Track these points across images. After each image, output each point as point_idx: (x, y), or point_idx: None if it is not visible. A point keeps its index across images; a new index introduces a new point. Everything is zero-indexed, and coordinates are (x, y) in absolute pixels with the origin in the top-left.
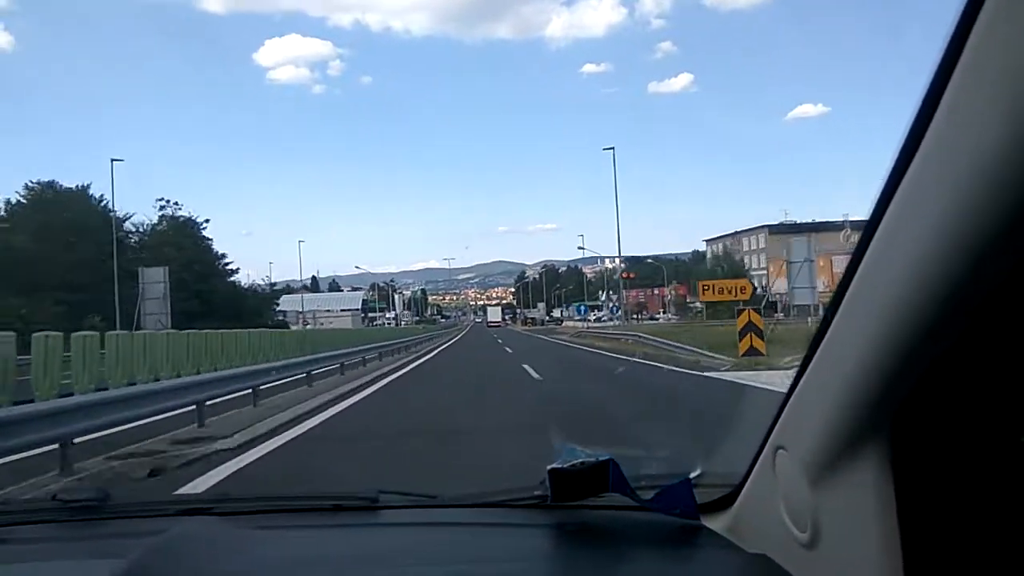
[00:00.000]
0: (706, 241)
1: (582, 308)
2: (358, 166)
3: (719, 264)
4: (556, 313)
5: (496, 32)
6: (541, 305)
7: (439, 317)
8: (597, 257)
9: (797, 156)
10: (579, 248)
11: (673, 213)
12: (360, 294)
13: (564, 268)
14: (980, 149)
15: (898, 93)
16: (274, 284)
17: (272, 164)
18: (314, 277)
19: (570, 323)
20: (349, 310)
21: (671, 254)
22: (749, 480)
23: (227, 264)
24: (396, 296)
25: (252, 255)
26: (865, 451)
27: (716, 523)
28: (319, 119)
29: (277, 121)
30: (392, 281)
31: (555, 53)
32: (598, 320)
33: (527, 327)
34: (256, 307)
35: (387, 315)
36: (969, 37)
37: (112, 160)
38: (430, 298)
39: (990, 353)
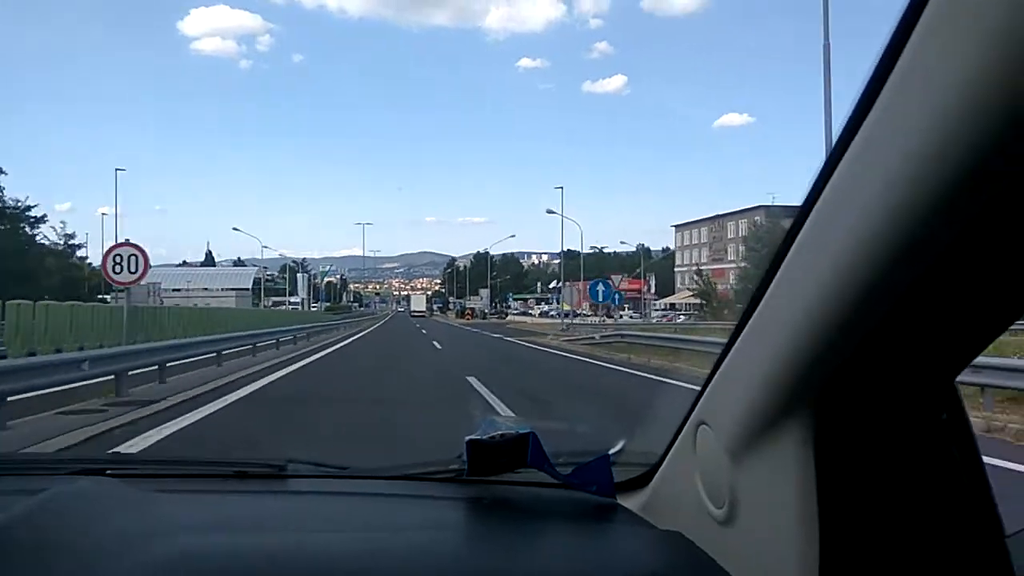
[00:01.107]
0: (675, 227)
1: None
2: (283, 148)
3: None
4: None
5: (433, 18)
6: (484, 292)
7: (355, 304)
8: (530, 253)
9: (724, 162)
10: (511, 236)
11: (610, 210)
12: (251, 271)
13: (498, 258)
14: (908, 149)
15: (818, 108)
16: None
17: (191, 138)
18: (208, 252)
19: (515, 317)
20: (235, 290)
21: (618, 250)
22: (668, 457)
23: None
24: (300, 277)
25: (164, 234)
26: (787, 428)
27: (631, 501)
28: (244, 95)
29: (200, 94)
30: (304, 261)
31: (492, 45)
32: (543, 315)
33: (465, 320)
34: (53, 269)
35: (292, 299)
36: (909, 39)
37: None
38: (352, 286)
39: (913, 335)
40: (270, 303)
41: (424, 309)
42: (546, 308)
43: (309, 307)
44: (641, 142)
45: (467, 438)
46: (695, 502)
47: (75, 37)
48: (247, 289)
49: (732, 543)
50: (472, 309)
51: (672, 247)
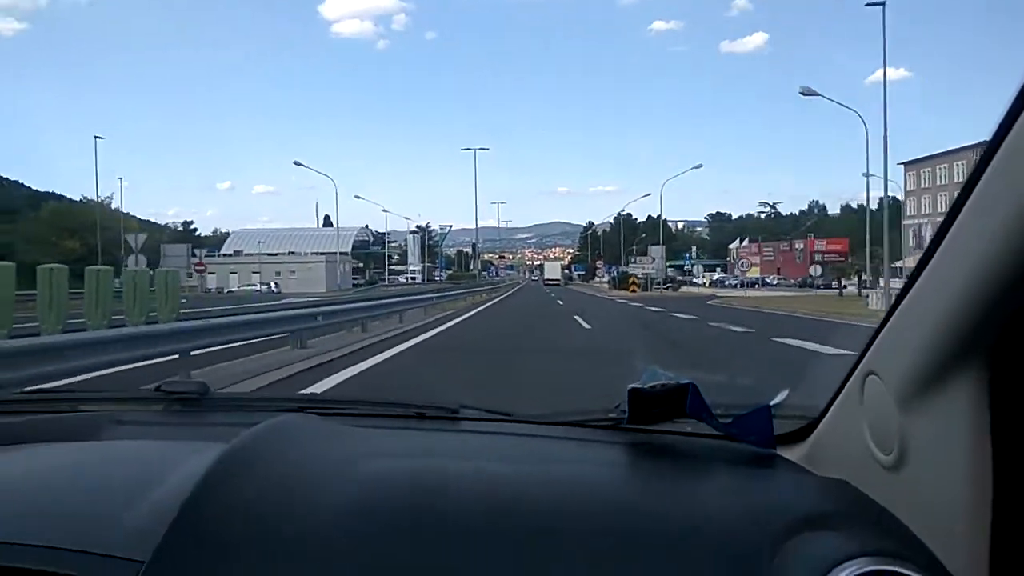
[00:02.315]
0: (904, 164)
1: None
2: (419, 124)
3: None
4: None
5: None
6: (656, 250)
7: (483, 272)
8: (667, 220)
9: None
10: (645, 196)
11: (748, 177)
12: (350, 232)
13: (641, 222)
14: None
15: (989, 62)
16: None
17: (333, 119)
18: (327, 216)
19: (687, 288)
20: (324, 254)
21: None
22: (832, 408)
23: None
24: (411, 239)
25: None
26: (962, 375)
27: (792, 453)
28: (381, 75)
29: (340, 75)
30: (427, 225)
31: (624, 9)
32: (717, 284)
33: (629, 293)
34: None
35: (412, 267)
36: None
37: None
38: (486, 256)
39: None
40: (385, 275)
41: (559, 277)
42: (717, 276)
43: (427, 277)
44: (782, 103)
45: (629, 386)
46: (861, 450)
47: (221, 28)
48: (347, 254)
49: (900, 489)
50: (635, 278)
51: (900, 195)
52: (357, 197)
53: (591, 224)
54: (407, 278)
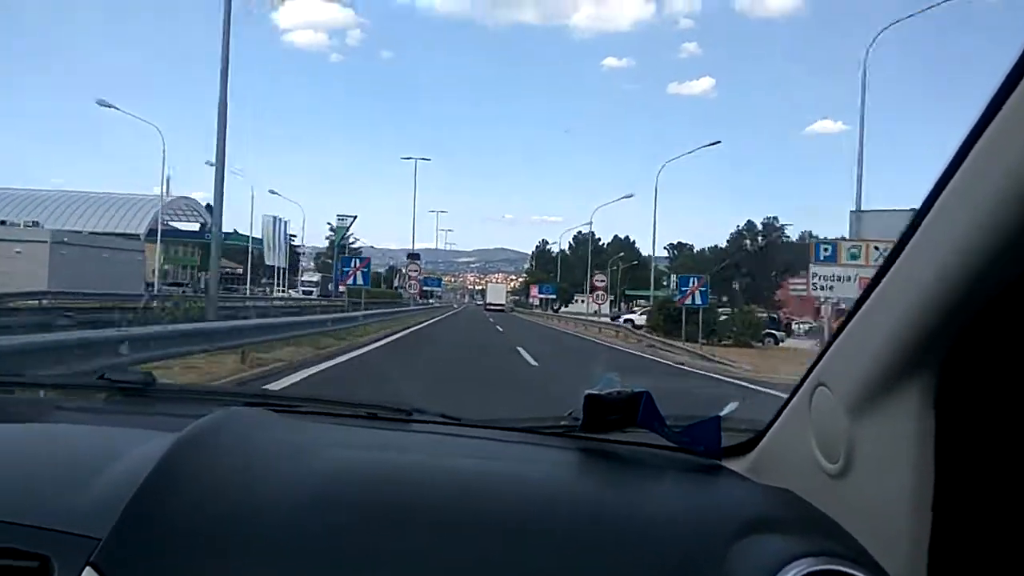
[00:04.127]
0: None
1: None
2: (368, 141)
3: None
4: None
5: (521, 15)
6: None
7: (402, 291)
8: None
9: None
10: (586, 224)
11: (689, 212)
12: (153, 204)
13: (606, 244)
14: None
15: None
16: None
17: (281, 128)
18: (202, 224)
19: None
20: (65, 233)
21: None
22: (780, 419)
23: None
24: (269, 226)
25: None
26: (910, 388)
27: (739, 463)
28: (333, 89)
29: (290, 86)
30: (348, 237)
31: (578, 44)
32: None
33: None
34: None
35: (305, 278)
36: None
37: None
38: (426, 276)
39: None
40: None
41: (503, 302)
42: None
43: (323, 291)
44: (725, 146)
45: (585, 391)
46: (806, 459)
47: (167, 25)
48: (134, 237)
49: (844, 497)
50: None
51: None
52: (272, 192)
53: (544, 243)
54: (300, 290)
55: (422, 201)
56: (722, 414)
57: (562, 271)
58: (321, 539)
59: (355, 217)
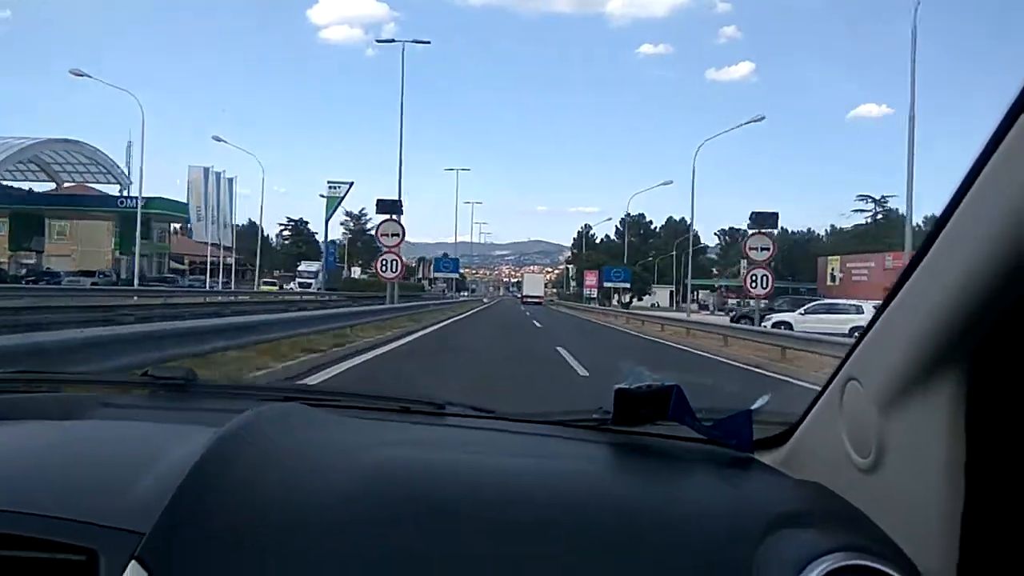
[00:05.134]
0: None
1: None
2: (404, 135)
3: None
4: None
5: (554, 5)
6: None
7: (435, 285)
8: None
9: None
10: (607, 220)
11: (729, 201)
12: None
13: (659, 226)
14: None
15: (962, 95)
16: None
17: (319, 125)
18: (250, 219)
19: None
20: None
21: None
22: (812, 413)
23: None
24: (200, 180)
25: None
26: (943, 380)
27: (769, 457)
28: (369, 83)
29: (326, 82)
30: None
31: (614, 31)
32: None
33: None
34: None
35: (306, 266)
36: None
37: None
38: (464, 270)
39: None
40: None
41: (541, 294)
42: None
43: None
44: (765, 132)
45: (615, 386)
46: (838, 453)
47: (207, 25)
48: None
49: (876, 491)
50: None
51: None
52: (217, 138)
53: (587, 227)
54: (297, 282)
55: (460, 191)
56: (753, 408)
57: (608, 260)
58: (364, 538)
59: (351, 184)
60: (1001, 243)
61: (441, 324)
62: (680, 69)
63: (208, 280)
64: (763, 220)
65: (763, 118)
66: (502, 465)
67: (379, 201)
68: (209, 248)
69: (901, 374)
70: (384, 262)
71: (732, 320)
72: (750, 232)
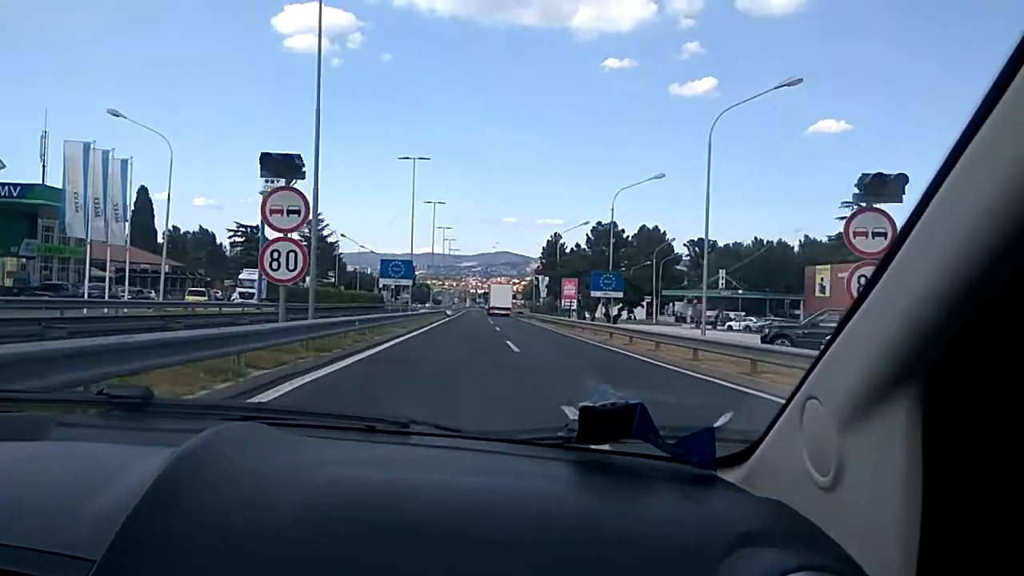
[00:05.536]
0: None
1: None
2: (367, 145)
3: None
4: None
5: (522, 18)
6: None
7: (399, 297)
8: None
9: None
10: (584, 223)
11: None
12: None
13: (631, 236)
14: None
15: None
16: None
17: (282, 133)
18: (200, 226)
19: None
20: None
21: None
22: (772, 431)
23: None
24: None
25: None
26: (899, 398)
27: (731, 475)
28: (335, 93)
29: (291, 91)
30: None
31: (579, 45)
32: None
33: None
34: None
35: (246, 274)
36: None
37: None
38: (430, 281)
39: None
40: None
41: (508, 306)
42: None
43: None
44: (728, 147)
45: (580, 404)
46: (798, 472)
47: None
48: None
49: (834, 509)
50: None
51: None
52: (114, 112)
53: (557, 236)
54: (238, 292)
55: (421, 204)
56: (716, 425)
57: (582, 266)
58: (320, 557)
59: (291, 179)
60: (956, 263)
61: (371, 351)
62: (645, 83)
63: (112, 288)
64: (881, 188)
65: (663, 175)
66: (464, 484)
67: (264, 156)
68: (128, 252)
69: (859, 393)
70: (273, 255)
71: (764, 340)
72: (858, 207)
